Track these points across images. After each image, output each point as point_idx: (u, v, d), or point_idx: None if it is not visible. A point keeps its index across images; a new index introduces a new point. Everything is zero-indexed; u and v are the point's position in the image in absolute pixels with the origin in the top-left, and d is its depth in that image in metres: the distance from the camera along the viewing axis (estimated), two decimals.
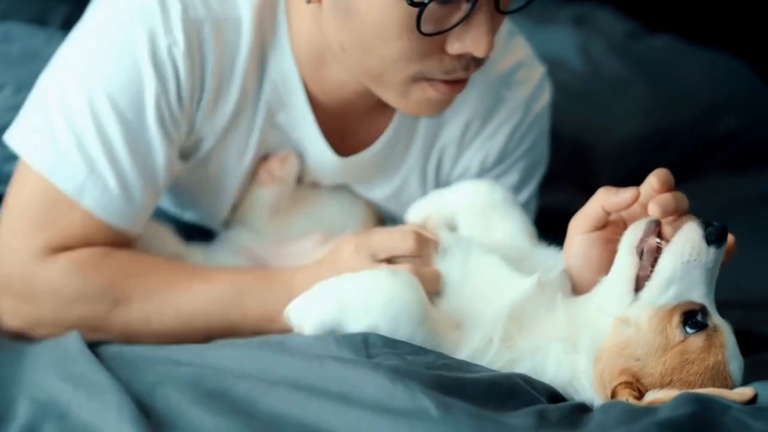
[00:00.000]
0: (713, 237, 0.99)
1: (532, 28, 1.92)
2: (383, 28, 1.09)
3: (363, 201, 1.41)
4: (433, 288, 1.08)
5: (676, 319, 0.98)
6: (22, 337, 1.20)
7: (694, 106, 2.15)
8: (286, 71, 1.24)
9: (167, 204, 1.40)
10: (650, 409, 0.92)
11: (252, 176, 1.33)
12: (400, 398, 0.91)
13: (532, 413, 0.93)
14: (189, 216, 1.41)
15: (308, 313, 1.06)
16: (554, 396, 1.01)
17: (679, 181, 1.06)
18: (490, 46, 1.10)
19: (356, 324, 1.03)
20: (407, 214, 1.27)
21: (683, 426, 0.88)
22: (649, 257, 1.01)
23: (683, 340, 0.97)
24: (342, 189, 1.40)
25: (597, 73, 2.17)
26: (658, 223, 1.02)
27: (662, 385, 0.98)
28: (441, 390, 0.92)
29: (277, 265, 1.28)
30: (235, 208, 1.37)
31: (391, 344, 1.01)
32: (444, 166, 1.39)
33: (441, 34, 1.09)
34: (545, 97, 1.41)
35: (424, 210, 1.24)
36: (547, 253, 1.13)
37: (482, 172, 1.38)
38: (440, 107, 1.22)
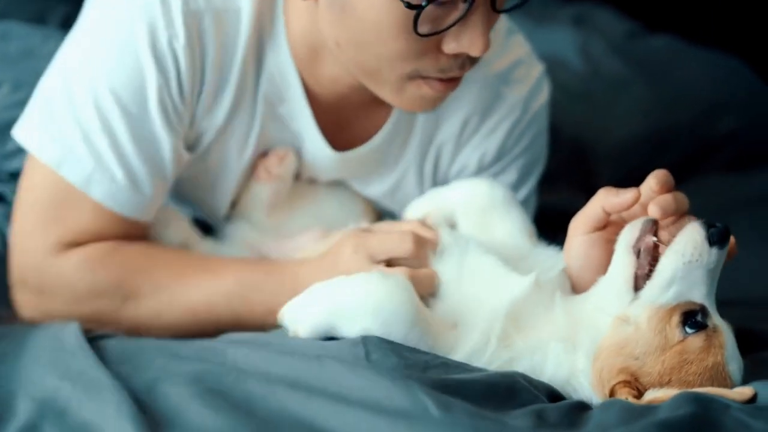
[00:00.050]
0: (716, 238, 0.99)
1: (532, 28, 1.92)
2: (379, 27, 1.09)
3: (362, 197, 1.42)
4: (428, 290, 1.09)
5: (676, 318, 0.98)
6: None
7: (694, 106, 2.15)
8: (282, 64, 1.24)
9: (167, 199, 1.40)
10: (649, 409, 0.92)
11: (251, 172, 1.33)
12: (399, 398, 0.91)
13: (532, 413, 0.93)
14: (188, 211, 1.42)
15: (302, 317, 1.06)
16: (553, 395, 1.01)
17: (679, 181, 1.06)
18: (486, 45, 1.10)
19: (349, 328, 1.04)
20: (406, 211, 1.27)
21: (683, 426, 0.88)
22: (647, 256, 1.01)
23: (682, 340, 0.97)
24: (340, 185, 1.40)
25: (597, 73, 2.17)
26: (654, 222, 1.02)
27: (661, 385, 0.98)
28: (440, 390, 0.93)
29: (278, 257, 1.29)
30: (235, 203, 1.37)
31: (390, 344, 1.01)
32: (441, 163, 1.38)
33: (437, 34, 1.09)
34: (544, 95, 1.41)
35: (423, 207, 1.24)
36: (546, 253, 1.13)
37: (480, 170, 1.38)
38: (435, 103, 1.22)
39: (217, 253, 1.32)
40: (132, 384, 0.98)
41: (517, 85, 1.38)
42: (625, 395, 0.97)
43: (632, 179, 1.08)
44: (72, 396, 0.96)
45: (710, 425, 0.89)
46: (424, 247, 1.11)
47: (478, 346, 1.04)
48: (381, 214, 1.43)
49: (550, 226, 1.28)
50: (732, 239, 1.02)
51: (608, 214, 1.05)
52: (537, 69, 1.41)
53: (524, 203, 1.38)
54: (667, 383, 0.97)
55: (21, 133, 1.23)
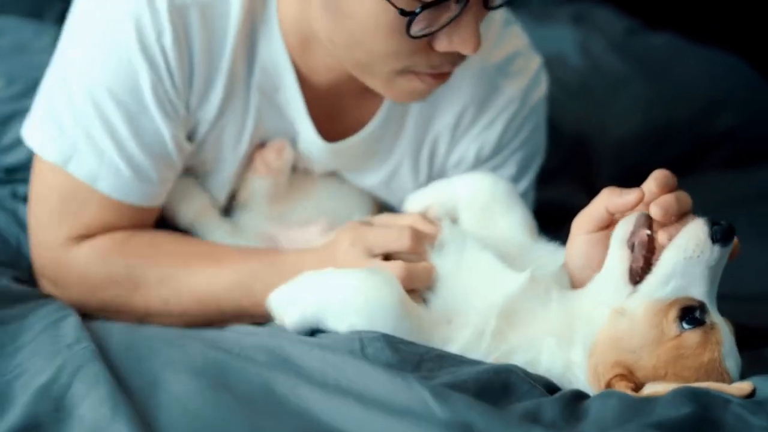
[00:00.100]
0: (719, 235, 0.99)
1: (532, 27, 1.92)
2: (372, 27, 1.09)
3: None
4: (425, 284, 1.09)
5: (673, 313, 0.98)
6: None
7: (692, 104, 2.15)
8: (275, 53, 1.25)
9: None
10: (648, 405, 0.92)
11: (248, 164, 1.34)
12: (396, 391, 0.92)
13: (528, 408, 0.93)
14: None
15: (289, 306, 1.08)
16: (550, 387, 1.01)
17: (678, 178, 1.05)
18: (478, 44, 1.10)
19: (335, 323, 1.05)
20: (408, 203, 1.27)
21: (682, 424, 0.88)
22: (641, 249, 1.01)
23: (678, 335, 0.97)
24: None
25: (596, 70, 2.17)
26: (649, 216, 1.02)
27: (656, 379, 0.98)
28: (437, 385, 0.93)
29: (288, 247, 1.29)
30: (234, 195, 1.38)
31: (385, 337, 1.02)
32: (437, 155, 1.38)
33: (430, 35, 1.09)
34: (542, 88, 1.41)
35: (425, 200, 1.25)
36: (546, 249, 1.14)
37: (478, 163, 1.38)
38: (425, 95, 1.23)
39: (231, 239, 1.33)
40: (133, 377, 0.98)
41: (516, 77, 1.38)
42: (622, 388, 0.97)
43: (631, 176, 1.09)
44: (69, 389, 0.96)
45: (710, 423, 0.89)
46: (422, 242, 1.11)
47: (471, 341, 1.04)
48: (381, 205, 1.43)
49: (550, 221, 1.28)
50: (735, 239, 1.02)
51: (611, 214, 1.05)
52: (535, 61, 1.41)
53: (523, 197, 1.37)
54: (663, 377, 0.98)
55: (27, 132, 1.25)
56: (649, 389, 0.97)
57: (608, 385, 0.99)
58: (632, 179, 1.05)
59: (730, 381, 0.98)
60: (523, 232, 1.18)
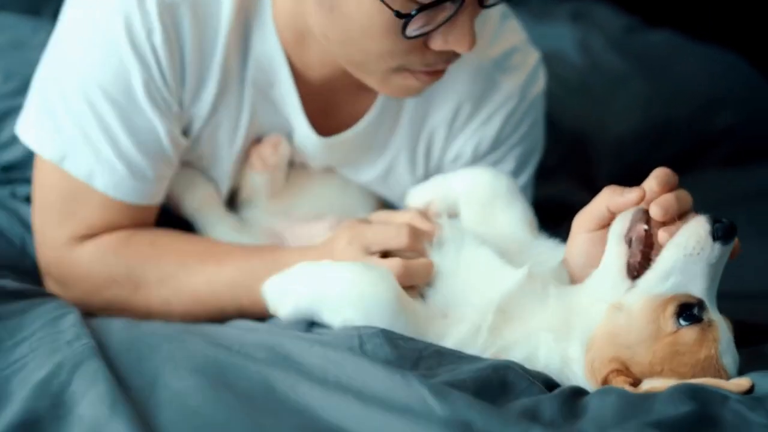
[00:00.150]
0: (720, 233, 0.98)
1: (531, 25, 1.92)
2: (367, 27, 1.09)
3: None
4: (423, 280, 1.09)
5: (671, 309, 0.98)
6: None
7: (692, 101, 2.15)
8: (269, 48, 1.25)
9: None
10: (646, 403, 0.92)
11: (245, 160, 1.34)
12: (395, 389, 0.92)
13: (527, 405, 0.93)
14: None
15: (283, 297, 1.08)
16: (549, 383, 1.01)
17: (677, 176, 1.05)
18: (473, 43, 1.10)
19: (330, 317, 1.06)
20: (409, 197, 1.27)
21: (681, 423, 0.88)
22: (639, 244, 1.01)
23: (675, 332, 0.97)
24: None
25: (596, 67, 2.17)
26: (646, 211, 1.02)
27: (652, 375, 0.98)
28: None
29: (294, 243, 1.30)
30: (234, 192, 1.38)
31: (384, 333, 1.02)
32: (434, 150, 1.38)
33: (425, 35, 1.09)
34: (540, 83, 1.41)
35: (426, 195, 1.25)
36: (546, 245, 1.14)
37: (476, 159, 1.38)
38: (420, 92, 1.23)
39: (234, 233, 1.33)
40: (133, 375, 0.98)
41: (514, 72, 1.37)
42: (620, 384, 0.97)
43: (631, 173, 1.09)
44: (68, 386, 0.96)
45: (709, 420, 0.89)
46: (420, 239, 1.12)
47: (467, 336, 1.05)
48: (384, 201, 1.43)
49: (549, 218, 1.28)
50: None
51: (612, 213, 1.05)
52: (533, 56, 1.41)
53: (521, 192, 1.38)
54: (659, 373, 0.98)
55: (21, 129, 1.25)
56: (647, 385, 0.97)
57: (605, 380, 0.99)
58: (631, 177, 1.05)
59: (727, 378, 0.98)
60: (524, 227, 1.18)
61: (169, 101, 1.21)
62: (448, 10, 1.07)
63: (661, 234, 1.00)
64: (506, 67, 1.37)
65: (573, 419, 0.92)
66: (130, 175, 1.22)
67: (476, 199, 1.21)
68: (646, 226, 1.01)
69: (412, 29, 1.08)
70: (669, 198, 1.01)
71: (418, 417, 0.88)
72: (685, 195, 1.02)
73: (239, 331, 1.13)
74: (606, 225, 1.05)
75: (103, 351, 1.03)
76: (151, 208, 1.28)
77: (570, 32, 2.27)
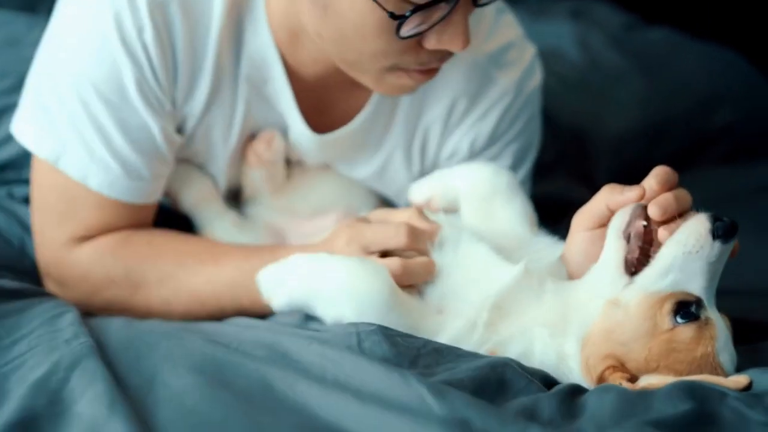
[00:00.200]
0: (720, 232, 0.98)
1: (530, 22, 1.92)
2: (361, 27, 1.09)
3: None
4: (423, 278, 1.10)
5: (668, 306, 0.98)
6: None
7: (690, 99, 2.15)
8: (263, 45, 1.24)
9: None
10: (645, 402, 0.92)
11: (240, 156, 1.33)
12: (394, 387, 0.92)
13: (525, 405, 0.93)
14: None
15: (277, 287, 1.08)
16: (547, 380, 1.01)
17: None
18: (467, 42, 1.11)
19: (324, 311, 1.06)
20: (411, 193, 1.27)
21: (680, 421, 0.88)
22: (637, 240, 1.01)
23: (672, 329, 0.97)
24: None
25: (594, 64, 2.17)
26: (644, 207, 1.02)
27: (648, 371, 0.98)
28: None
29: (298, 240, 1.30)
30: (239, 189, 1.38)
31: (382, 330, 1.02)
32: (429, 147, 1.38)
33: (419, 35, 1.09)
34: (537, 78, 1.40)
35: (427, 191, 1.25)
36: (544, 241, 1.14)
37: (472, 155, 1.37)
38: (414, 89, 1.23)
39: (233, 229, 1.33)
40: (132, 373, 0.98)
41: (510, 68, 1.37)
42: (617, 380, 0.97)
43: (629, 170, 1.09)
44: (66, 384, 0.96)
45: (707, 418, 0.89)
46: (418, 238, 1.11)
47: (462, 332, 1.05)
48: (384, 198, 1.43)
49: (548, 215, 1.28)
50: None
51: (612, 212, 1.05)
52: (529, 51, 1.40)
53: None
54: (655, 370, 0.98)
55: (17, 129, 1.25)
56: (645, 382, 0.97)
57: (600, 377, 0.99)
58: (630, 174, 1.06)
59: (725, 376, 0.98)
60: (523, 223, 1.19)
61: (162, 100, 1.21)
62: (442, 9, 1.07)
63: (661, 232, 1.00)
64: (502, 62, 1.36)
65: (571, 418, 0.92)
66: (125, 174, 1.22)
67: (476, 194, 1.21)
68: (644, 222, 1.01)
69: (407, 29, 1.08)
70: (667, 197, 1.01)
71: (416, 416, 0.88)
72: (684, 194, 1.02)
73: (237, 328, 1.13)
74: (605, 223, 1.05)
75: (102, 349, 1.03)
76: (148, 208, 1.28)
77: (569, 30, 2.27)
